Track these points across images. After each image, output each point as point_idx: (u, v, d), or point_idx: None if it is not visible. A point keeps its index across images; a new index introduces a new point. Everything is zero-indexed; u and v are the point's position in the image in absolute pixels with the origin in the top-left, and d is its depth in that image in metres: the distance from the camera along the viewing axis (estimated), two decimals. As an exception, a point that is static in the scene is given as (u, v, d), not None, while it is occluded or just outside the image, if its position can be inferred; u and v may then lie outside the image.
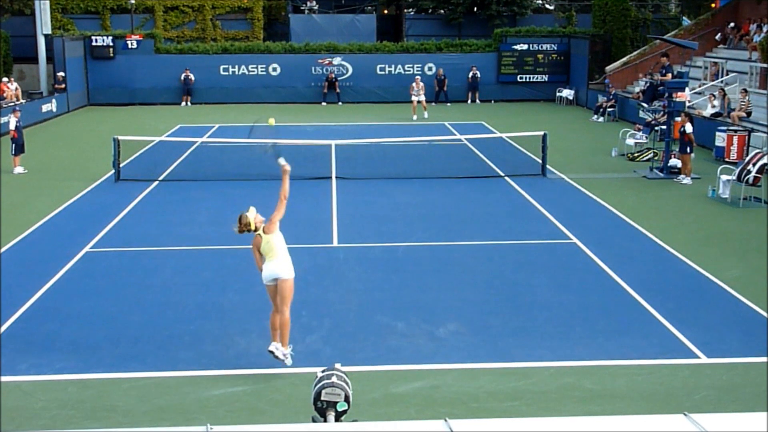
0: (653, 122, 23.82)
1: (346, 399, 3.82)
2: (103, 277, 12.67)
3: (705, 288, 12.15)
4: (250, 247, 9.45)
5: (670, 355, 9.69)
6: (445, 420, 2.04)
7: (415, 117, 31.18)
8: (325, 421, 3.66)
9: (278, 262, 9.14)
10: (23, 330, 10.42)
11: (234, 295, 11.73)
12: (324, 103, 36.11)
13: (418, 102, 31.54)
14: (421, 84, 32.39)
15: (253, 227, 9.21)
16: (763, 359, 9.58)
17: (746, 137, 21.83)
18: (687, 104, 21.59)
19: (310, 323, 10.66)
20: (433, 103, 35.24)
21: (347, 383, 3.89)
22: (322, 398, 3.71)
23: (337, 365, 4.22)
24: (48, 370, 9.29)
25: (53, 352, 9.76)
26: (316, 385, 3.85)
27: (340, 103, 36.20)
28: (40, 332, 10.36)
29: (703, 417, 2.16)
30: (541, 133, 20.72)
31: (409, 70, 37.10)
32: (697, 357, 9.66)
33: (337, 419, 3.72)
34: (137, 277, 12.60)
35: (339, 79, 36.46)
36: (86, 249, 14.01)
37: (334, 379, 3.78)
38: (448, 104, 35.96)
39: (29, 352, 9.74)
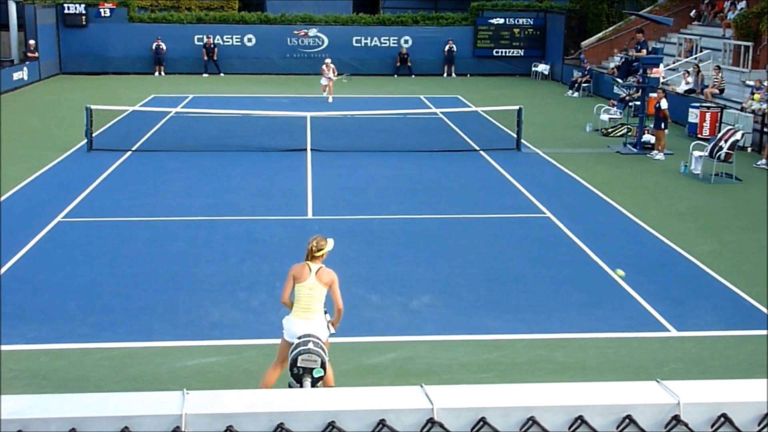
0: (627, 98, 23.92)
1: (323, 365, 3.83)
2: (75, 247, 12.57)
3: (676, 262, 12.28)
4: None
5: (641, 328, 9.81)
6: (421, 386, 2.05)
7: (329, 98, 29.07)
8: (302, 387, 3.66)
9: (315, 324, 6.76)
10: (-6, 299, 10.33)
11: (207, 266, 11.70)
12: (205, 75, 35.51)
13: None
14: (332, 66, 30.36)
15: (318, 254, 7.64)
16: (732, 333, 9.76)
17: (719, 114, 22.00)
18: (661, 80, 21.70)
19: (285, 294, 10.66)
20: (395, 75, 36.53)
21: (323, 350, 3.90)
22: (299, 364, 3.71)
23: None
24: (20, 339, 9.22)
25: (25, 321, 9.69)
26: (292, 351, 3.85)
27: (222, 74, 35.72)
28: (11, 302, 10.26)
29: (675, 384, 2.19)
30: (516, 107, 20.77)
31: (386, 43, 36.96)
32: (667, 330, 9.79)
33: (314, 385, 3.73)
34: (110, 247, 12.51)
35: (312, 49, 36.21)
36: (58, 218, 13.88)
37: (310, 345, 3.78)
38: (395, 75, 36.49)
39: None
